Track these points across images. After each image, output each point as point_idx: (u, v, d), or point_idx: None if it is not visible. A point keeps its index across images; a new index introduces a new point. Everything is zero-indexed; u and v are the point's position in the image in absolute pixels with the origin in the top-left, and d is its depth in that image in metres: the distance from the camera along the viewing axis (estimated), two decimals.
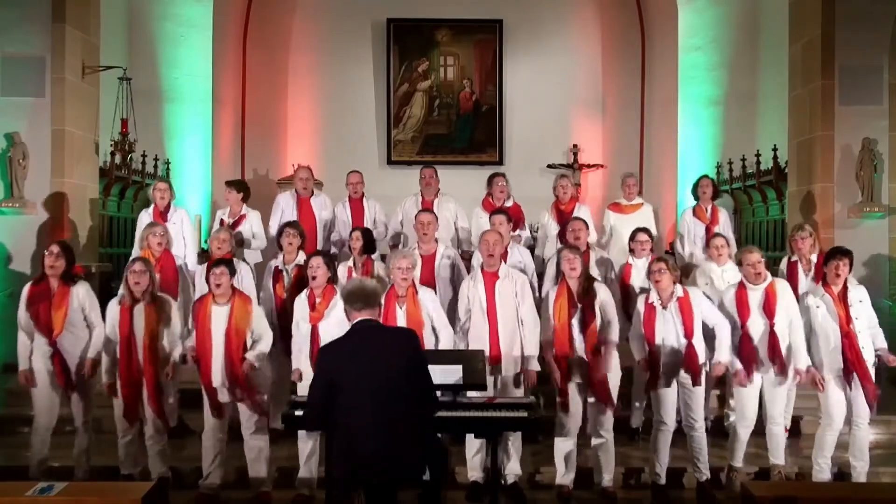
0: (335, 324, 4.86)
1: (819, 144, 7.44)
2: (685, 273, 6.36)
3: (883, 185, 7.44)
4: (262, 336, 5.05)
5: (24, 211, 7.18)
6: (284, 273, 5.86)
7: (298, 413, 4.20)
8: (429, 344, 5.04)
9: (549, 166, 10.70)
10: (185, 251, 6.56)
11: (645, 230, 6.16)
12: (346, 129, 11.09)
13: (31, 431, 5.21)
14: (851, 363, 5.04)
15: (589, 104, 11.32)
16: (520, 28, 11.23)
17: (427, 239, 5.84)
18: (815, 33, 7.47)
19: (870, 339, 5.14)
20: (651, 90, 10.99)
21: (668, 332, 5.07)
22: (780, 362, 5.12)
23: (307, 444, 4.98)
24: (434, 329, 5.14)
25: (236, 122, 10.91)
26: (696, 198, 7.08)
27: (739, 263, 5.31)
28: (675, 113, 10.01)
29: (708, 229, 6.78)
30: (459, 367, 4.49)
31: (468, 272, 5.72)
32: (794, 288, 5.61)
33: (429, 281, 5.64)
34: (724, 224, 6.89)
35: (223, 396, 4.97)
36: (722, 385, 5.96)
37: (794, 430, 6.11)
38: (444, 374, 4.39)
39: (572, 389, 5.02)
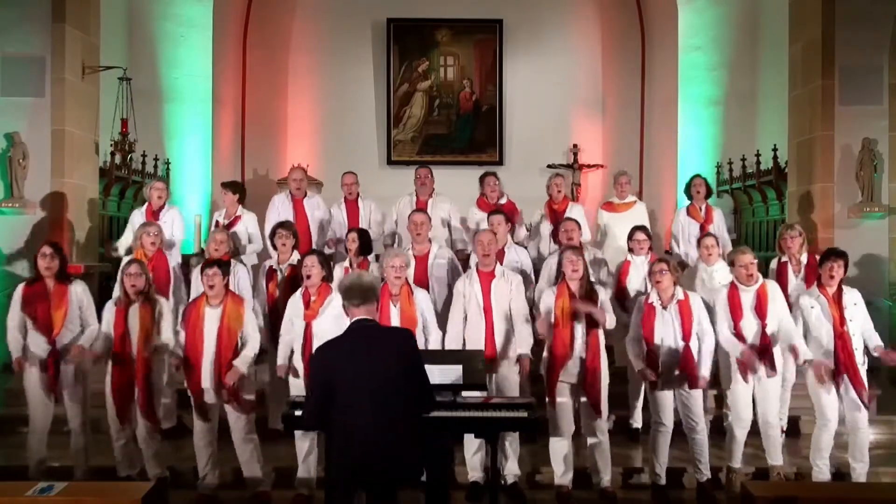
0: (330, 322, 4.87)
1: (819, 144, 7.44)
2: None
3: (883, 185, 7.44)
4: (248, 340, 5.02)
5: (24, 211, 7.18)
6: (278, 272, 5.88)
7: (298, 413, 4.20)
8: (419, 343, 5.03)
9: (549, 166, 10.69)
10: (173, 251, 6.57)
11: (643, 229, 6.16)
12: (346, 129, 11.09)
13: (28, 432, 5.21)
14: (843, 365, 5.05)
15: (589, 104, 11.32)
16: (520, 28, 11.23)
17: (421, 239, 5.84)
18: (815, 33, 7.48)
19: (862, 342, 5.15)
20: (651, 90, 10.99)
21: (666, 334, 5.07)
22: (770, 363, 5.13)
23: (304, 444, 4.98)
24: (424, 330, 5.15)
25: (236, 122, 10.91)
26: (690, 197, 7.07)
27: (731, 264, 5.31)
28: (675, 113, 10.01)
29: (702, 228, 6.78)
30: (459, 367, 4.49)
31: (464, 272, 5.72)
32: (784, 288, 5.63)
33: (422, 281, 5.64)
34: (719, 223, 6.87)
35: (209, 398, 4.96)
36: (719, 385, 5.96)
37: (793, 431, 6.10)
38: (443, 374, 4.39)
39: (564, 389, 5.02)
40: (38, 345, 5.11)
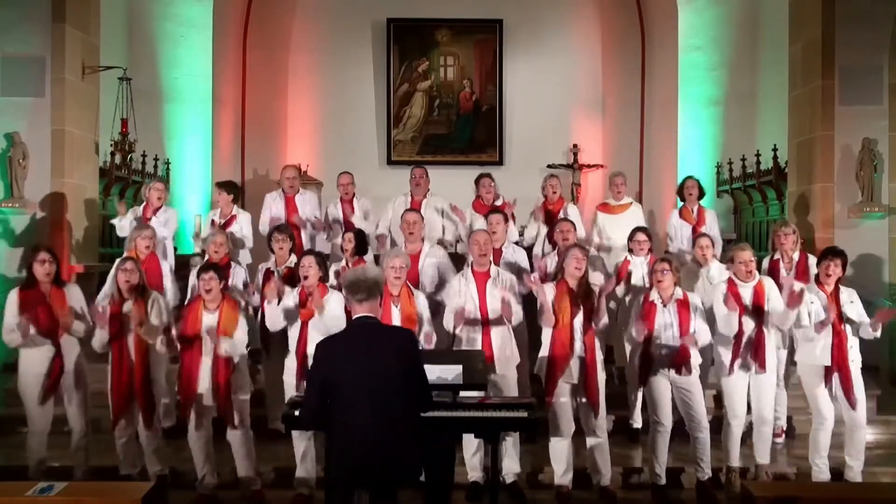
0: (325, 322, 4.87)
1: (819, 144, 7.44)
2: None
3: (883, 185, 7.44)
4: (235, 337, 4.99)
5: (25, 211, 7.19)
6: (276, 274, 5.89)
7: (298, 413, 4.19)
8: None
9: (549, 166, 10.69)
10: (168, 252, 6.63)
11: (643, 230, 6.18)
12: (346, 129, 11.10)
13: (27, 432, 5.21)
14: (836, 362, 5.07)
15: (589, 104, 11.32)
16: (520, 28, 11.24)
17: (413, 238, 5.86)
18: (815, 33, 7.47)
19: (857, 342, 5.16)
20: (651, 90, 10.99)
21: (665, 330, 5.10)
22: (762, 359, 5.15)
23: (302, 444, 4.98)
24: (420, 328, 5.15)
25: (236, 122, 10.91)
26: (682, 199, 7.05)
27: (731, 261, 5.32)
28: (675, 113, 10.01)
29: (694, 230, 6.76)
30: (459, 367, 4.49)
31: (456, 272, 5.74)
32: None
33: (413, 280, 5.64)
34: (711, 225, 6.84)
35: (207, 400, 4.96)
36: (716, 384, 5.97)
37: (788, 431, 6.10)
38: (443, 374, 4.39)
39: (564, 389, 5.02)
40: (41, 349, 5.10)
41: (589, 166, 11.14)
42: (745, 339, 5.19)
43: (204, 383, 4.93)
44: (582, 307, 5.01)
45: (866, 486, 4.94)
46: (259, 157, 11.00)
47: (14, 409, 5.97)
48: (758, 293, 5.20)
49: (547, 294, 5.02)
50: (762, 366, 5.18)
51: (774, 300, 5.22)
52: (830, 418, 5.15)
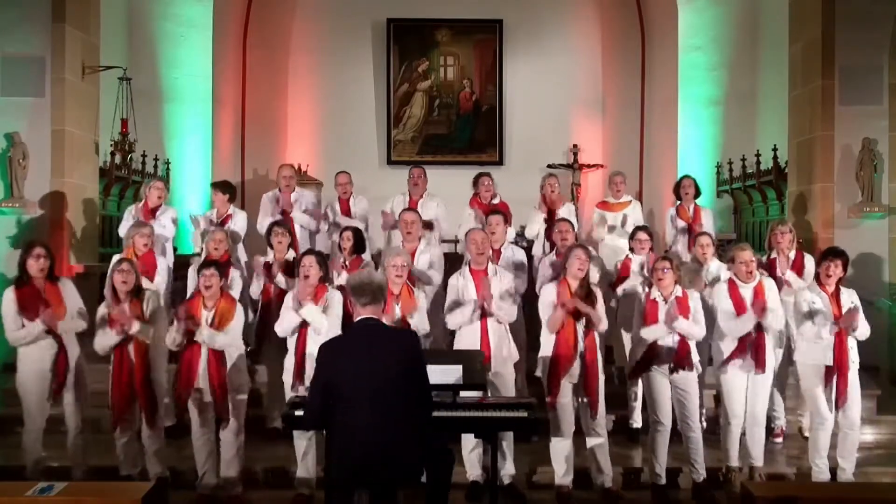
0: (326, 322, 4.86)
1: (819, 144, 7.44)
2: None
3: (883, 185, 7.44)
4: (227, 334, 4.98)
5: (25, 211, 7.19)
6: (275, 267, 5.91)
7: (298, 413, 4.19)
8: None
9: (549, 166, 10.68)
10: (167, 251, 6.62)
11: (644, 228, 6.20)
12: (346, 129, 11.11)
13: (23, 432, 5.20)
14: (837, 362, 5.06)
15: (589, 104, 11.33)
16: (520, 28, 11.24)
17: (411, 238, 5.88)
18: (815, 33, 7.47)
19: (856, 342, 5.15)
20: (651, 90, 10.99)
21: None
22: (762, 361, 5.14)
23: (302, 444, 4.97)
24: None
25: (236, 122, 10.92)
26: (679, 198, 7.05)
27: (731, 261, 5.33)
28: (675, 113, 10.01)
29: (691, 229, 6.77)
30: (459, 367, 4.49)
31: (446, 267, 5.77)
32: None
33: (411, 279, 5.66)
34: (707, 224, 6.84)
35: (207, 397, 4.96)
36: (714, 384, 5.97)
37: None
38: (443, 374, 4.38)
39: (566, 389, 5.01)
40: (40, 345, 5.10)
41: (589, 166, 11.14)
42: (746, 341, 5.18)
43: (203, 380, 4.93)
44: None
45: (866, 486, 4.94)
46: (259, 157, 11.00)
47: (13, 409, 5.96)
48: (757, 294, 5.20)
49: (549, 292, 5.04)
50: (762, 367, 5.18)
51: (773, 301, 5.22)
52: (830, 418, 5.15)
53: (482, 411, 4.35)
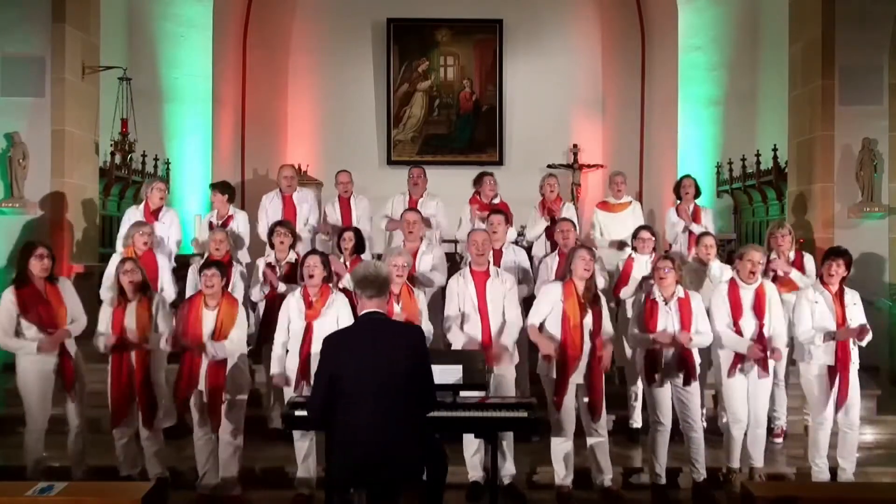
0: (331, 322, 4.86)
1: (819, 144, 7.44)
2: None
3: (883, 185, 7.44)
4: (232, 336, 4.98)
5: (25, 211, 7.18)
6: (278, 269, 5.90)
7: (298, 413, 4.19)
8: None
9: (549, 166, 10.68)
10: (170, 252, 6.59)
11: (647, 228, 6.19)
12: (346, 129, 11.11)
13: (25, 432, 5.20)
14: (840, 361, 5.06)
15: (589, 104, 11.33)
16: (520, 28, 11.24)
17: (412, 238, 5.88)
18: (815, 33, 7.47)
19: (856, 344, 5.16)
20: (651, 90, 11.00)
21: (667, 328, 5.08)
22: (764, 364, 5.13)
23: (303, 444, 4.96)
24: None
25: (236, 122, 10.92)
26: (679, 197, 7.04)
27: (739, 258, 5.30)
28: (675, 113, 10.01)
29: (691, 229, 6.77)
30: (459, 367, 4.49)
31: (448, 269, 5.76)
32: None
33: (410, 278, 5.66)
34: (707, 223, 6.82)
35: (206, 397, 4.96)
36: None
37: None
38: (443, 374, 4.38)
39: (570, 389, 5.01)
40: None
41: (589, 166, 11.15)
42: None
43: (202, 381, 4.93)
44: (590, 309, 5.00)
45: (866, 486, 4.94)
46: (259, 157, 11.00)
47: (14, 409, 5.96)
48: (759, 296, 5.17)
49: (553, 291, 5.05)
50: (764, 369, 5.16)
51: (774, 304, 5.20)
52: (831, 418, 5.14)
53: (482, 411, 4.35)
